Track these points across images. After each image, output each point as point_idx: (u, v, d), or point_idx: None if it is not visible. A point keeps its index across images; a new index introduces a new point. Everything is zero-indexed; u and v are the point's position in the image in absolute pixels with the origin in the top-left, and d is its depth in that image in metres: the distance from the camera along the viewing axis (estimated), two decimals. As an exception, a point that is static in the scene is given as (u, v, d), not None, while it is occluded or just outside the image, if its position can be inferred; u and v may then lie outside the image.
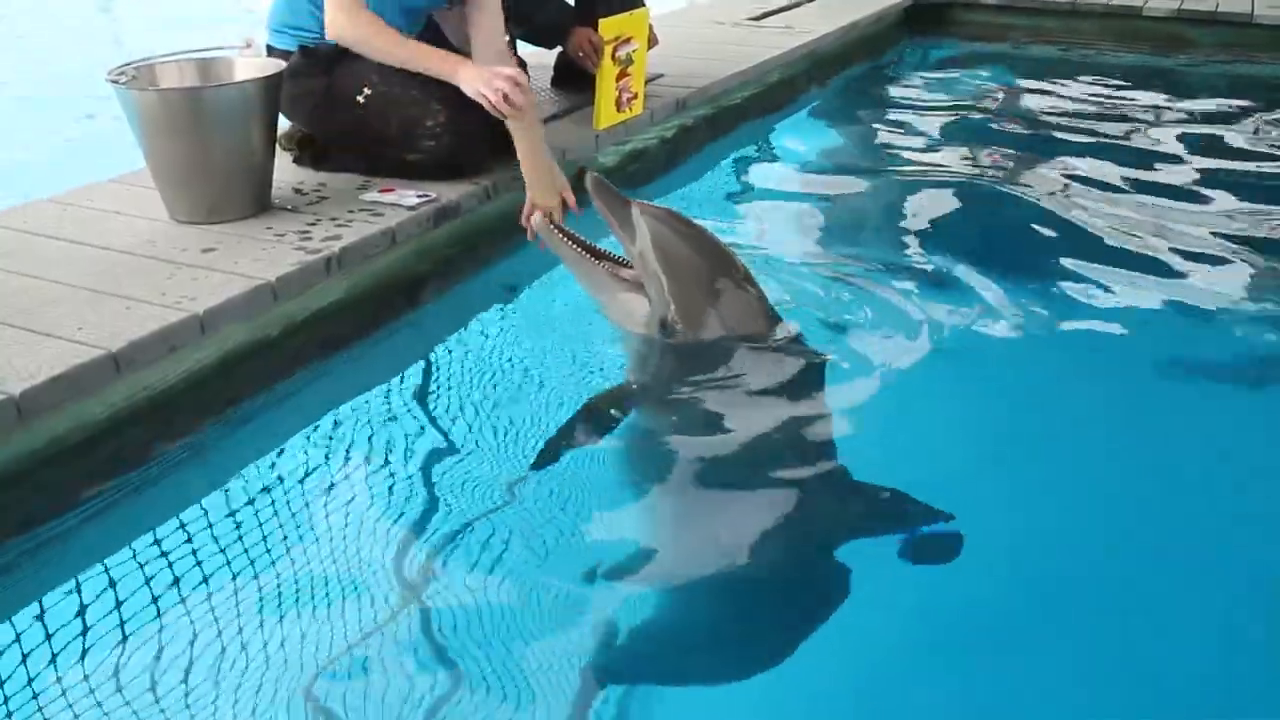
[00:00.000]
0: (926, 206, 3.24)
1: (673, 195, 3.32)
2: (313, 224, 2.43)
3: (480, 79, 2.43)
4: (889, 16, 5.63)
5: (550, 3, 3.45)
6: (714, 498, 1.93)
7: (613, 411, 2.13)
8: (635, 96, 3.34)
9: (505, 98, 2.40)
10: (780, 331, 2.18)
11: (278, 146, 2.58)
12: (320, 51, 2.67)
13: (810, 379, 2.14)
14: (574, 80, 3.55)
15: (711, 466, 1.98)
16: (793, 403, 2.12)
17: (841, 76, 4.99)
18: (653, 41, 3.47)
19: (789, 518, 1.87)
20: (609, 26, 3.16)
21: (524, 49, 3.50)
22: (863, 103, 4.77)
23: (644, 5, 3.45)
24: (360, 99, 2.64)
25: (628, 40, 3.22)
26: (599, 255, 2.30)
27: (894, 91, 4.97)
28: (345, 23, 2.51)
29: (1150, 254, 2.93)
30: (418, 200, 2.54)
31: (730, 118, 3.88)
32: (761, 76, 4.18)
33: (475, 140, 2.67)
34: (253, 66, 2.54)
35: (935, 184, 3.48)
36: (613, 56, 3.19)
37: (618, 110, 3.25)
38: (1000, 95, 4.98)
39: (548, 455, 2.02)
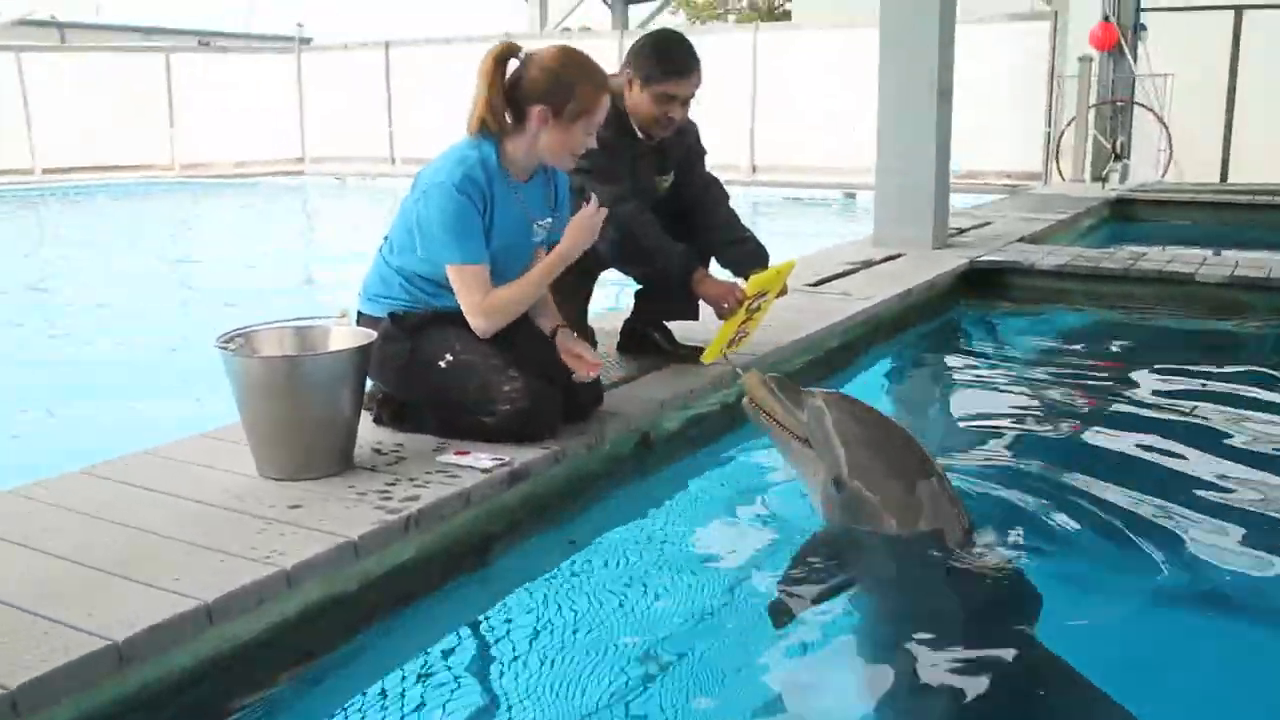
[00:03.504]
0: (987, 477, 3.43)
1: (733, 461, 3.55)
2: (392, 484, 2.68)
3: (580, 230, 2.92)
4: (943, 283, 6.02)
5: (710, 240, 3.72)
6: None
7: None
8: (747, 335, 3.63)
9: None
10: (962, 519, 2.60)
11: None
12: (408, 320, 3.01)
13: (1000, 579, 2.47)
14: (640, 346, 3.89)
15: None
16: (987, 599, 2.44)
17: (898, 341, 5.31)
18: (784, 290, 3.70)
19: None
20: (757, 283, 3.44)
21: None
22: (919, 367, 5.08)
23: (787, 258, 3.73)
24: (442, 364, 2.95)
25: (764, 292, 3.52)
26: (791, 423, 2.76)
27: (950, 356, 5.27)
28: (485, 319, 2.90)
29: (1219, 523, 3.06)
30: (492, 463, 2.79)
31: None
32: (820, 343, 4.50)
33: (548, 407, 2.95)
34: (347, 335, 2.88)
35: (990, 444, 3.68)
36: (747, 307, 3.48)
37: (729, 347, 3.53)
38: (1057, 358, 5.27)
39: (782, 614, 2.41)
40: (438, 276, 2.95)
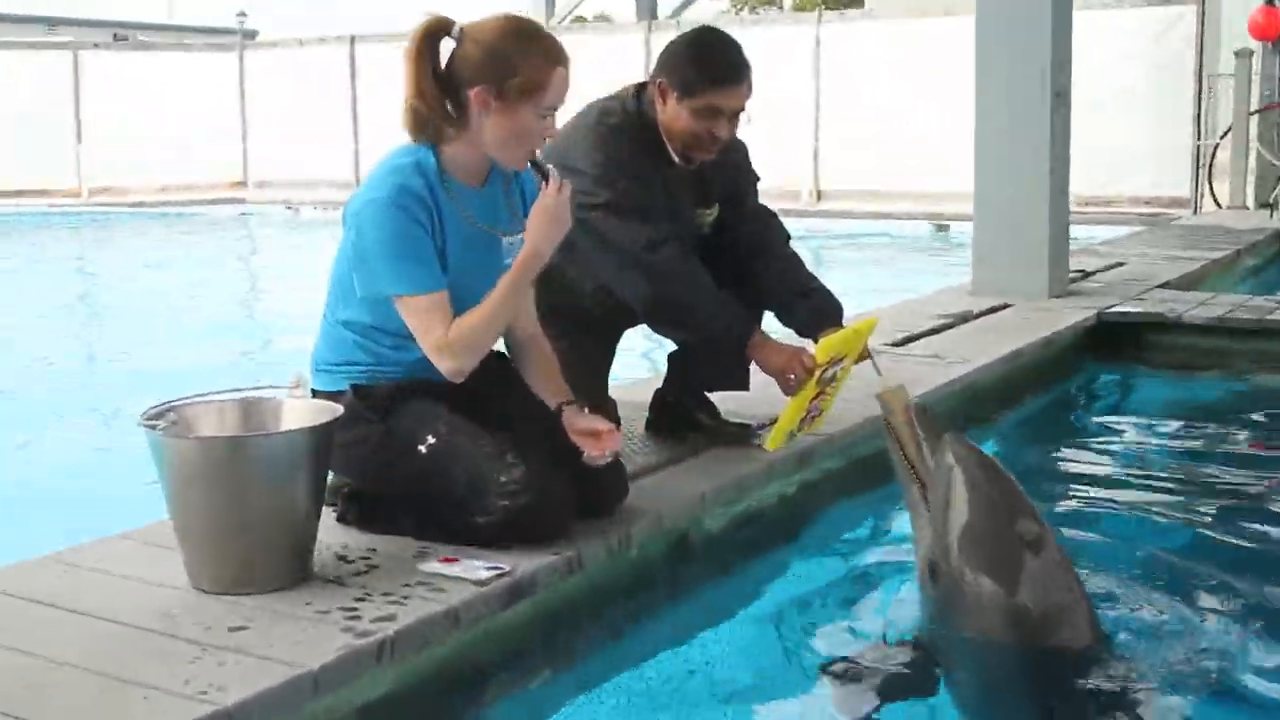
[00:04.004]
0: (1123, 594, 3.43)
1: (791, 573, 3.57)
2: (361, 599, 2.71)
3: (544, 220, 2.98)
4: (1063, 340, 6.05)
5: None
6: None
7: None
8: (821, 413, 3.67)
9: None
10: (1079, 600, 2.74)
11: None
12: (376, 391, 3.06)
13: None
14: (674, 423, 3.93)
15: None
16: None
17: (1006, 417, 5.34)
18: (864, 355, 3.72)
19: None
20: (830, 347, 3.47)
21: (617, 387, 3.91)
22: (1034, 450, 5.08)
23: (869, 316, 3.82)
24: (422, 448, 3.00)
25: (840, 358, 3.56)
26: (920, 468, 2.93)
27: (1074, 437, 5.28)
28: (453, 359, 2.94)
29: None
30: (488, 573, 2.82)
31: (865, 473, 4.18)
32: (905, 418, 4.53)
33: (557, 501, 2.99)
34: (303, 410, 2.94)
35: (1124, 553, 3.68)
36: (819, 378, 3.51)
37: (798, 429, 3.57)
38: (1212, 439, 5.26)
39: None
40: (395, 324, 3.01)
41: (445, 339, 2.94)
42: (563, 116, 3.80)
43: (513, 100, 2.96)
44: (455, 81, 3.00)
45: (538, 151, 3.07)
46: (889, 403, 3.08)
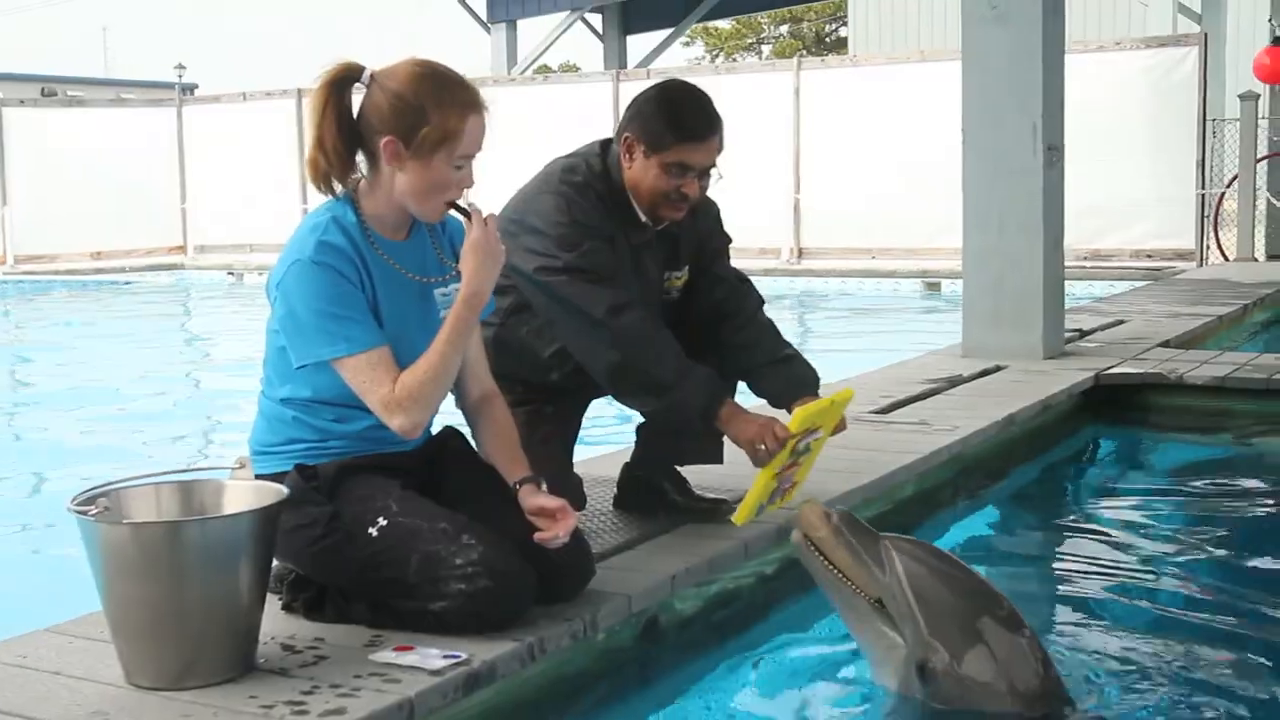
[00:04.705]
0: (1120, 678, 3.48)
1: (769, 659, 3.60)
2: (309, 692, 2.73)
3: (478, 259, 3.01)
4: (1060, 405, 6.14)
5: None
6: None
7: None
8: (794, 485, 3.71)
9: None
10: (1057, 688, 2.91)
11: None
12: (322, 470, 3.10)
13: None
14: (643, 499, 3.98)
15: None
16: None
17: (998, 487, 5.40)
18: (840, 426, 3.80)
19: None
20: (805, 417, 3.51)
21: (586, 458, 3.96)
22: (1030, 521, 5.14)
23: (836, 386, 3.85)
24: (373, 530, 3.03)
25: (815, 429, 3.62)
26: (860, 579, 2.99)
27: (1069, 506, 5.35)
28: (403, 415, 2.98)
29: None
30: (444, 662, 2.84)
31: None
32: (890, 491, 4.59)
33: (517, 585, 3.02)
34: (247, 492, 2.97)
35: (1126, 636, 3.73)
36: (793, 450, 3.56)
37: (771, 503, 3.63)
38: (1219, 507, 5.33)
39: None
40: (338, 394, 3.05)
41: (393, 395, 2.98)
42: (516, 172, 3.91)
43: (425, 152, 3.01)
44: (366, 132, 3.06)
45: (460, 200, 3.11)
46: (808, 518, 3.10)
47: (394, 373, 2.99)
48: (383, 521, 3.03)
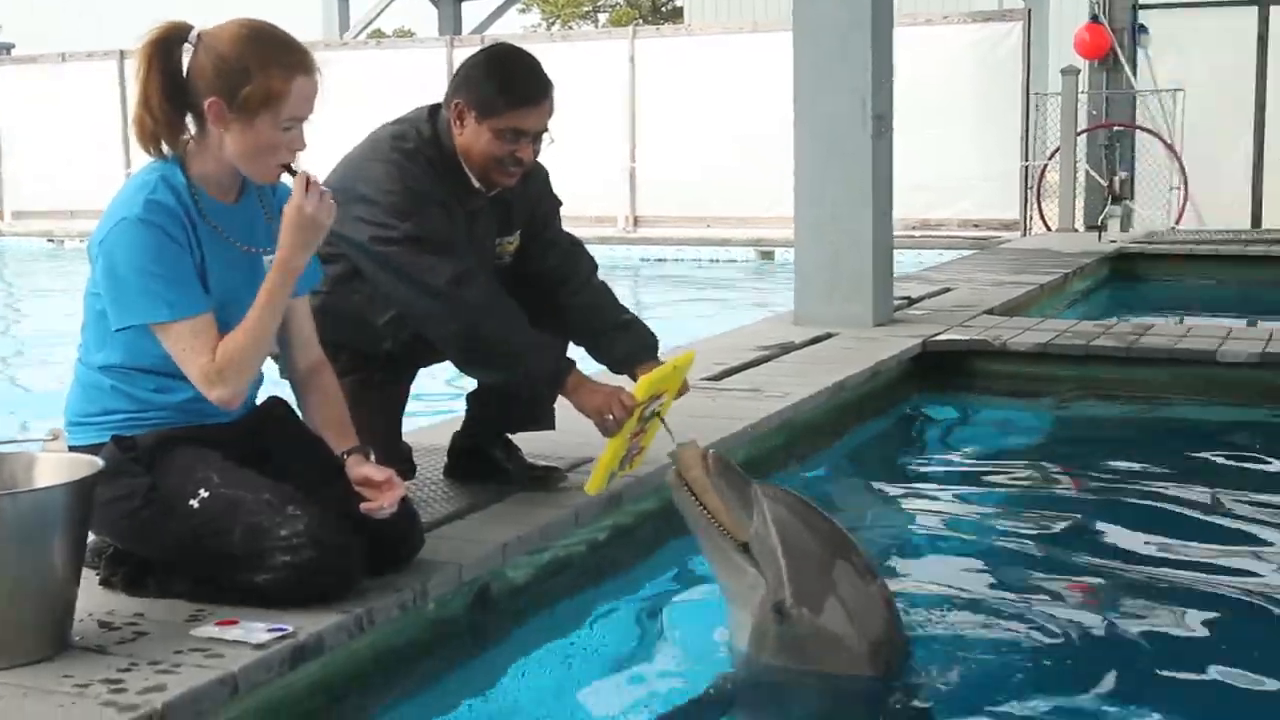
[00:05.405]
0: (950, 650, 3.57)
1: (608, 621, 3.62)
2: (126, 670, 2.66)
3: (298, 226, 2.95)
4: (888, 372, 6.25)
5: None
6: None
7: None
8: (641, 451, 3.72)
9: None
10: (901, 637, 3.14)
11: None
12: (140, 440, 3.01)
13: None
14: (474, 467, 3.96)
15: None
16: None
17: (830, 451, 5.49)
18: (683, 389, 3.82)
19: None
20: (650, 384, 3.51)
21: (417, 433, 3.92)
22: (860, 483, 5.24)
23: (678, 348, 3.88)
24: (194, 503, 2.96)
25: (659, 394, 3.62)
26: (728, 522, 3.09)
27: (897, 469, 5.46)
28: (223, 386, 2.92)
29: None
30: (269, 635, 2.79)
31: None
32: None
33: (344, 555, 2.98)
34: (60, 465, 2.88)
35: (953, 603, 3.82)
36: (640, 416, 3.56)
37: (619, 469, 3.63)
38: (1039, 466, 5.51)
39: None
40: (157, 361, 2.98)
41: (212, 364, 2.92)
42: (349, 137, 3.84)
43: (249, 113, 2.95)
44: (193, 92, 2.99)
45: (293, 164, 3.05)
46: (685, 459, 3.18)
47: (214, 342, 2.93)
48: (204, 493, 2.96)
